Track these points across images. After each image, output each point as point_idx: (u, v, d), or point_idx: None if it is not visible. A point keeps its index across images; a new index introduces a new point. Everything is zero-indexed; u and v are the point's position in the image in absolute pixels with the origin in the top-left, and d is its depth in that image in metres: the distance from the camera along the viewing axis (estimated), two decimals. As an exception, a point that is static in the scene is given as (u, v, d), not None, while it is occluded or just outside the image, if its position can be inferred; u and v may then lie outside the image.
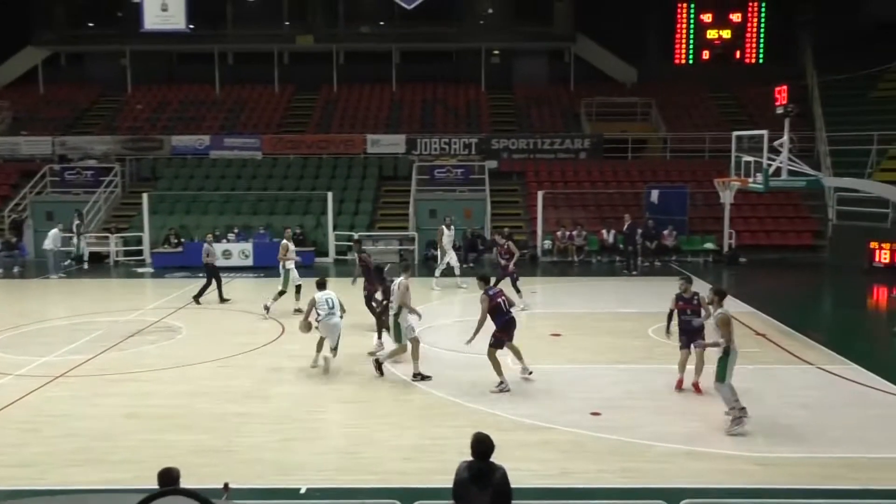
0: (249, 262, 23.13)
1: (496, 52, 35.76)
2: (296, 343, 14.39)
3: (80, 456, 9.15)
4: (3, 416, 10.53)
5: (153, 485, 6.01)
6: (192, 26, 25.11)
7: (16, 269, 22.85)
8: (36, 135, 30.67)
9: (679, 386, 11.45)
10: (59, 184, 27.95)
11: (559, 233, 24.97)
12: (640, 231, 23.58)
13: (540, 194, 25.47)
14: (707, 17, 35.13)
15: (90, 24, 35.40)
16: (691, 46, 35.24)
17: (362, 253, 16.80)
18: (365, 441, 9.58)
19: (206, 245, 18.52)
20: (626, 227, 23.43)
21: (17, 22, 33.65)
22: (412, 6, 25.10)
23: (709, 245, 25.17)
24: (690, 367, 11.44)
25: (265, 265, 22.76)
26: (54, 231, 22.80)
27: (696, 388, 11.35)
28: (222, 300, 18.19)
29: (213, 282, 18.24)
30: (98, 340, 14.62)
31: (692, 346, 11.27)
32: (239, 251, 23.50)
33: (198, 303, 17.91)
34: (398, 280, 12.65)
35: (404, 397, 11.29)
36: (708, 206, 25.77)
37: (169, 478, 5.79)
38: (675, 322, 11.60)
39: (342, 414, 10.63)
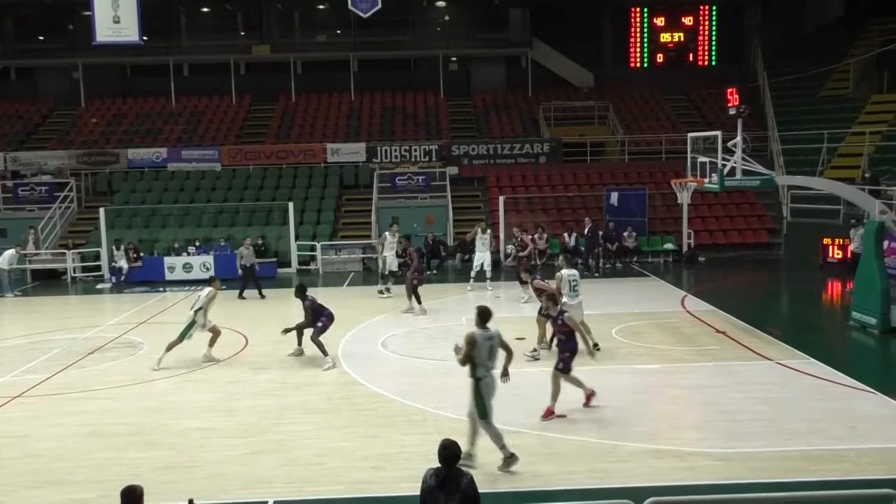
0: (210, 274, 22.85)
1: (454, 58, 35.92)
2: (259, 356, 14.30)
3: (41, 477, 8.96)
4: (-42, 439, 10.28)
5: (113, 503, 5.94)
6: (145, 38, 24.73)
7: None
8: (-13, 151, 30.07)
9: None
10: (12, 200, 27.40)
11: (521, 237, 25.07)
12: (600, 233, 23.83)
13: (501, 199, 25.63)
14: (660, 21, 35.67)
15: (41, 38, 34.79)
16: (645, 50, 35.75)
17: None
18: (331, 451, 9.54)
19: (241, 249, 20.54)
20: (586, 229, 23.66)
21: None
22: (368, 14, 25.04)
23: (668, 245, 25.56)
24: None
25: (227, 277, 22.44)
26: (10, 252, 22.29)
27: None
28: (262, 297, 20.03)
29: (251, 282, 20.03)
30: (57, 359, 14.34)
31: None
32: (200, 264, 23.24)
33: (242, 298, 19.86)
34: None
35: (369, 406, 11.26)
36: (666, 207, 26.17)
37: (132, 496, 5.70)
38: None
39: (307, 425, 10.55)
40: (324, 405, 11.31)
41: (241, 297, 20.12)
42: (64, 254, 24.72)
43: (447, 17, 35.71)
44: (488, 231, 20.86)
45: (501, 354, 9.16)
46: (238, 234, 25.34)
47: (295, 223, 25.14)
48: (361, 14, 25.12)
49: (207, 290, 14.03)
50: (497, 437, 8.84)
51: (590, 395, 10.98)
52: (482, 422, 8.89)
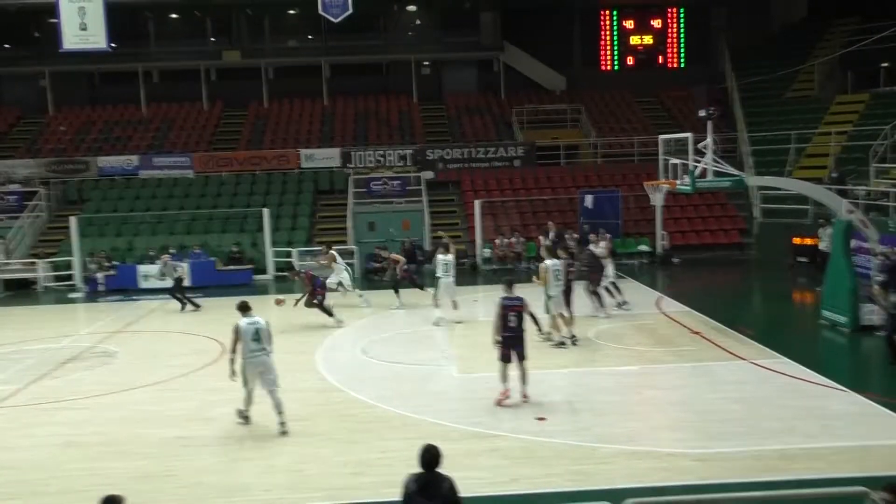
0: (186, 282, 22.64)
1: (426, 63, 35.98)
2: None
3: (14, 489, 8.85)
4: (-71, 453, 10.10)
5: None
6: (114, 45, 24.51)
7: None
8: (-47, 160, 29.56)
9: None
10: (-20, 210, 26.96)
11: (497, 240, 25.22)
12: (575, 236, 23.95)
13: (477, 203, 25.69)
14: (629, 24, 35.99)
15: (6, 45, 34.29)
16: (616, 53, 36.04)
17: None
18: (311, 458, 9.50)
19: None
20: (551, 234, 23.87)
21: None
22: (339, 19, 25.01)
23: (643, 247, 25.78)
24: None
25: (202, 285, 22.35)
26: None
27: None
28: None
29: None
30: (30, 369, 14.15)
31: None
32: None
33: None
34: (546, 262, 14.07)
35: (348, 412, 11.23)
36: (640, 209, 26.38)
37: (111, 505, 5.65)
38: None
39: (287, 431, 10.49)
40: (302, 412, 11.24)
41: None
42: (35, 263, 24.39)
43: (418, 22, 35.76)
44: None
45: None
46: (212, 241, 25.19)
47: (270, 229, 24.99)
48: (332, 19, 25.09)
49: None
50: None
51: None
52: None
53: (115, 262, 23.73)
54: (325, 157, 29.86)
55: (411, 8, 35.20)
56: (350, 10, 24.23)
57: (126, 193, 28.46)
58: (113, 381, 13.32)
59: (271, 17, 34.63)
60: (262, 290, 23.06)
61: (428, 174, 28.85)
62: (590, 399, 11.39)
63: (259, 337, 10.33)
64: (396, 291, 19.07)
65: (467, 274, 24.26)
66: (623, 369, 13.04)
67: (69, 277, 24.21)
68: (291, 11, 34.46)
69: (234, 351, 10.36)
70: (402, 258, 19.80)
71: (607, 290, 17.53)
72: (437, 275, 17.37)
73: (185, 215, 26.90)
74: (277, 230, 25.88)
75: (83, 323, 19.39)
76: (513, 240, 25.17)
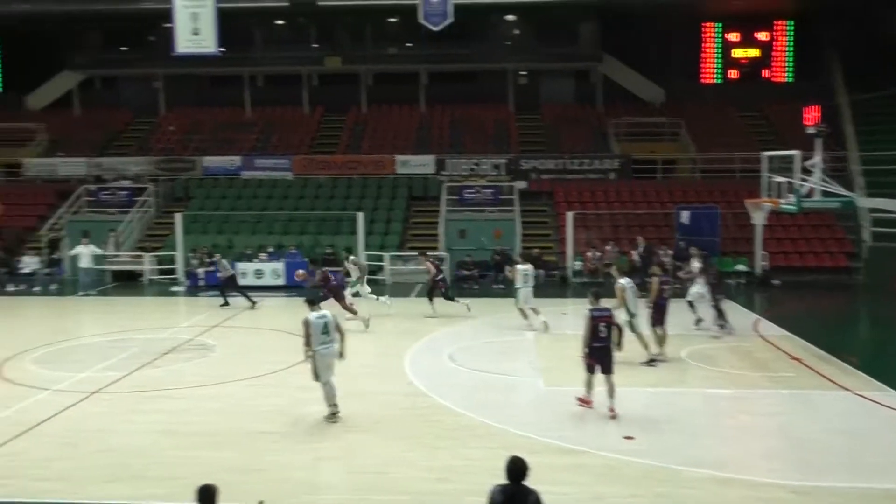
0: (281, 281, 23.29)
1: (523, 72, 35.93)
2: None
3: (117, 471, 9.26)
4: (40, 430, 10.70)
5: (187, 501, 6.09)
6: (222, 50, 25.46)
7: (52, 287, 23.23)
8: (72, 156, 31.26)
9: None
10: (95, 204, 28.45)
11: (589, 253, 24.89)
12: (670, 252, 23.42)
13: (569, 215, 25.43)
14: (734, 37, 35.01)
15: (123, 49, 36.11)
16: (718, 65, 35.11)
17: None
18: (396, 461, 9.59)
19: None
20: (640, 248, 23.38)
21: (54, 47, 34.48)
22: (438, 28, 25.23)
23: (741, 267, 24.91)
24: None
25: (297, 285, 22.92)
26: (82, 248, 23.18)
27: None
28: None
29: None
30: (134, 357, 14.82)
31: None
32: (271, 270, 23.68)
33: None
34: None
35: (434, 418, 11.28)
36: (739, 227, 25.55)
37: (208, 494, 5.85)
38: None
39: (372, 434, 10.63)
40: (389, 415, 11.38)
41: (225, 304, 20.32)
42: (141, 256, 25.57)
43: (516, 31, 35.76)
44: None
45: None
46: (308, 242, 25.80)
47: (364, 233, 25.41)
48: (432, 27, 25.31)
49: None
50: None
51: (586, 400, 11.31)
52: None
53: (215, 259, 24.58)
54: (419, 164, 30.19)
55: (510, 17, 35.24)
56: (450, 19, 24.42)
57: (228, 193, 29.49)
58: (210, 373, 13.81)
59: (372, 25, 35.30)
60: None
61: (521, 184, 28.77)
62: (678, 420, 11.09)
63: (328, 329, 10.92)
64: (430, 300, 19.07)
65: (556, 286, 24.06)
66: (714, 392, 12.62)
67: (172, 271, 25.27)
68: (392, 19, 35.03)
69: (308, 344, 10.88)
70: (433, 268, 19.49)
71: (690, 304, 17.06)
72: (517, 285, 17.35)
73: (283, 216, 27.67)
74: (371, 234, 26.29)
75: (183, 316, 20.20)
76: (608, 248, 24.69)
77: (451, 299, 19.05)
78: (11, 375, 13.59)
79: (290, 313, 19.97)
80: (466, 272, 24.49)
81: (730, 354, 15.11)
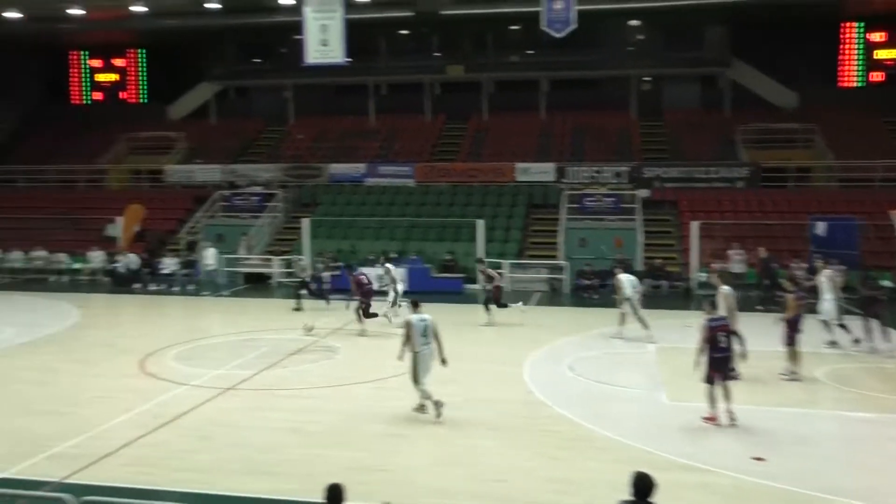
0: (402, 287, 23.67)
1: (646, 78, 35.17)
2: (445, 369, 14.64)
3: (248, 466, 9.70)
4: (179, 423, 11.36)
5: (314, 497, 6.30)
6: (349, 59, 26.26)
7: (189, 287, 24.56)
8: (208, 163, 33.02)
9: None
10: (228, 208, 29.96)
11: (716, 264, 23.96)
12: (803, 265, 22.26)
13: (694, 224, 24.66)
14: (878, 37, 32.99)
15: (256, 61, 37.83)
16: (860, 68, 33.20)
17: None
18: (515, 470, 9.59)
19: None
20: (761, 260, 22.30)
21: (193, 60, 36.54)
22: (561, 34, 25.04)
23: (886, 283, 23.27)
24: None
25: (417, 290, 23.24)
26: (213, 250, 24.42)
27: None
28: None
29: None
30: (263, 357, 15.49)
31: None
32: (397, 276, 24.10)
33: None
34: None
35: (553, 427, 11.21)
36: (882, 240, 24.01)
37: (336, 493, 6.04)
38: None
39: (492, 440, 10.68)
40: (508, 422, 11.40)
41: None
42: (270, 260, 26.68)
43: (640, 37, 35.07)
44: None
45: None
46: (428, 248, 26.18)
47: (483, 240, 25.54)
48: (555, 34, 25.13)
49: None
50: None
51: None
52: None
53: (339, 263, 25.33)
54: (540, 172, 30.07)
55: (633, 23, 34.61)
56: (574, 26, 24.20)
57: (353, 199, 30.33)
58: (335, 374, 14.27)
59: (494, 33, 35.47)
60: (471, 299, 23.60)
61: (643, 192, 28.17)
62: (811, 443, 10.54)
63: (427, 332, 11.37)
64: (487, 308, 19.09)
65: (680, 298, 23.39)
66: (855, 415, 11.90)
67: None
68: (514, 27, 35.11)
69: (406, 343, 11.43)
70: (496, 274, 19.78)
71: (825, 323, 16.14)
72: (627, 295, 17.06)
73: (405, 222, 28.18)
74: (490, 241, 26.36)
75: (309, 318, 20.83)
76: (735, 255, 23.60)
77: (504, 306, 19.16)
78: (153, 370, 14.48)
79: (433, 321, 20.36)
80: (586, 281, 24.17)
81: (870, 376, 14.23)
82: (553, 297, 23.78)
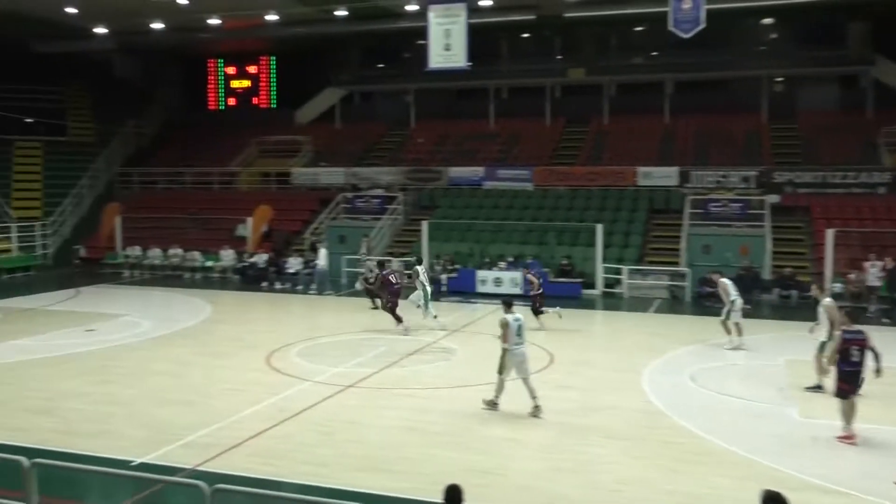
0: (519, 290, 23.65)
1: (778, 79, 33.60)
2: (561, 374, 14.51)
3: (367, 462, 9.90)
4: (303, 417, 11.73)
5: (431, 497, 6.38)
6: (470, 63, 26.45)
7: (313, 286, 25.37)
8: (332, 166, 34.04)
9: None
10: (351, 210, 30.77)
11: (853, 275, 22.63)
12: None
13: (829, 233, 23.36)
14: None
15: (380, 66, 38.70)
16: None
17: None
18: (634, 480, 9.36)
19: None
20: (888, 271, 20.78)
21: (320, 66, 37.79)
22: (689, 34, 24.29)
23: None
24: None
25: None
26: (324, 251, 25.14)
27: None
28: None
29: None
30: (381, 356, 15.81)
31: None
32: (510, 279, 24.15)
33: None
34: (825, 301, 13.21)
35: (675, 439, 10.87)
36: None
37: (456, 494, 6.06)
38: None
39: (609, 449, 10.46)
40: (626, 432, 11.15)
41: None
42: (390, 261, 27.14)
43: (773, 35, 33.55)
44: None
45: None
46: (546, 252, 25.98)
47: (602, 245, 25.13)
48: (683, 34, 24.41)
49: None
50: None
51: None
52: None
53: (457, 266, 25.56)
54: (662, 176, 29.29)
55: (766, 21, 33.18)
56: (702, 25, 23.45)
57: (471, 202, 30.52)
58: (451, 375, 14.38)
59: (617, 35, 34.86)
60: (589, 304, 23.29)
61: (773, 198, 26.92)
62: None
63: (521, 331, 11.96)
64: (536, 315, 18.78)
65: (811, 308, 22.13)
66: None
67: (415, 276, 26.53)
68: (638, 28, 34.39)
69: (506, 342, 11.84)
70: (536, 280, 19.33)
71: None
72: (732, 297, 16.61)
73: (522, 226, 28.09)
74: (609, 246, 25.91)
75: (426, 319, 21.10)
76: (870, 266, 22.17)
77: (540, 313, 18.88)
78: (278, 365, 15.04)
79: (526, 321, 20.29)
80: (710, 289, 23.21)
81: None
82: (674, 304, 23.10)
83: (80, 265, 31.06)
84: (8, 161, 34.60)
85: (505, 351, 11.89)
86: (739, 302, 16.75)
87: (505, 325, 11.83)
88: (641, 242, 26.79)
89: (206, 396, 12.87)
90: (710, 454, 10.29)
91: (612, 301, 23.78)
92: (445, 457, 10.08)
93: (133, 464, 9.65)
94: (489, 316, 20.68)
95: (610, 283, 24.67)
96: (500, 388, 12.00)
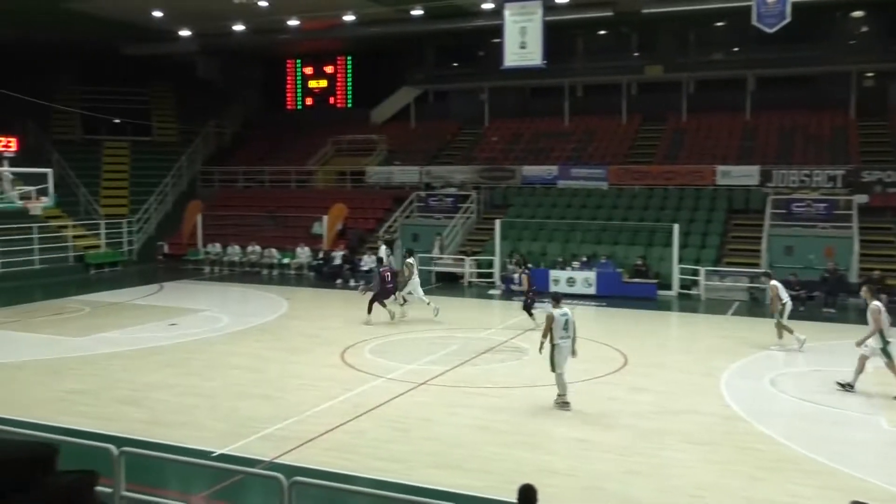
0: (592, 290, 23.43)
1: (869, 74, 32.28)
2: (637, 376, 14.30)
3: (440, 459, 9.98)
4: (377, 413, 11.89)
5: (504, 496, 6.37)
6: (545, 61, 26.26)
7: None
8: (406, 165, 34.32)
9: None
10: (424, 209, 30.97)
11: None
12: None
13: (921, 234, 22.37)
14: None
15: (454, 65, 38.80)
16: None
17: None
18: (711, 486, 9.16)
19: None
20: None
21: (396, 65, 38.16)
22: (774, 29, 23.57)
23: None
24: None
25: (607, 295, 22.95)
26: (384, 248, 25.40)
27: None
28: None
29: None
30: (454, 354, 15.88)
31: None
32: (583, 279, 23.93)
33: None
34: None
35: (753, 445, 10.59)
36: None
37: (530, 494, 6.05)
38: None
39: (686, 454, 10.27)
40: (704, 436, 10.92)
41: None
42: (462, 260, 27.28)
43: (864, 28, 32.22)
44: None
45: None
46: (620, 252, 25.63)
47: (678, 246, 24.63)
48: (767, 29, 23.75)
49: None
50: None
51: None
52: None
53: (530, 265, 25.40)
54: (742, 175, 28.48)
55: (856, 14, 31.90)
56: (788, 19, 22.75)
57: (544, 201, 30.30)
58: (522, 374, 14.34)
59: (696, 30, 34.07)
60: (664, 306, 22.88)
61: (862, 198, 25.88)
62: None
63: (567, 326, 12.10)
64: (530, 314, 18.81)
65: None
66: None
67: (489, 275, 26.57)
68: (719, 24, 33.52)
69: (545, 336, 12.14)
70: (526, 279, 19.41)
71: None
72: (784, 299, 16.39)
73: (596, 225, 27.76)
74: (685, 247, 25.37)
75: (498, 318, 21.14)
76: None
77: (530, 313, 18.79)
78: (352, 361, 15.28)
79: (600, 322, 20.11)
80: (792, 293, 22.50)
81: None
82: (753, 307, 22.46)
83: (163, 261, 32.19)
84: (98, 161, 36.11)
85: (553, 346, 12.07)
86: (790, 305, 16.63)
87: (550, 320, 12.05)
88: (720, 243, 26.13)
89: (283, 391, 13.17)
90: (791, 461, 9.99)
91: (688, 303, 23.29)
92: (517, 456, 10.06)
93: (213, 454, 9.95)
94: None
95: (686, 285, 24.14)
96: (561, 384, 12.07)
